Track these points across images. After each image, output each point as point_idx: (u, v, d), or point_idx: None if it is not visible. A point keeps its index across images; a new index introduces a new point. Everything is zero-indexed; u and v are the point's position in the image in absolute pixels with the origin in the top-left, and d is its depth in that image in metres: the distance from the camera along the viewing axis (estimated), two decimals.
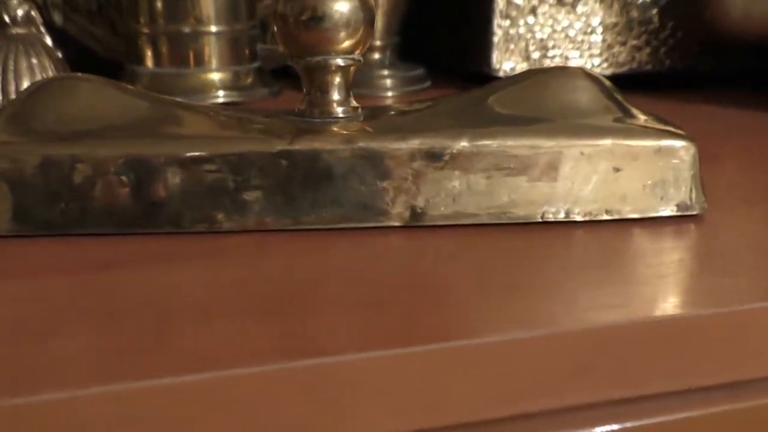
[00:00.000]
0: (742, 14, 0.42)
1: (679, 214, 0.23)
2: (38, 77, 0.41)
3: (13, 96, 0.40)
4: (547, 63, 0.48)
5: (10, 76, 0.40)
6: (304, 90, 0.24)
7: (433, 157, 0.22)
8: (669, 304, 0.18)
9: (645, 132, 0.23)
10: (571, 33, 0.48)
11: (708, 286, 0.19)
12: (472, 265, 0.20)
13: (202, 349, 0.16)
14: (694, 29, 0.48)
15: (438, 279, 0.20)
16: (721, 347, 0.17)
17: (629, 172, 0.23)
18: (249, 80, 0.46)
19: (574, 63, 0.48)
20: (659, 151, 0.23)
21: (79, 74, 0.24)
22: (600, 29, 0.48)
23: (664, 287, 0.19)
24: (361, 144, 0.22)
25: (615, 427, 0.17)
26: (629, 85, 0.46)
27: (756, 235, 0.23)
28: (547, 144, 0.23)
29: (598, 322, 0.17)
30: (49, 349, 0.16)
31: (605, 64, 0.49)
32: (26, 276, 0.19)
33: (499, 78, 0.48)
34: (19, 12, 0.41)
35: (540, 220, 0.23)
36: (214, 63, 0.45)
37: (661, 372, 0.17)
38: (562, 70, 0.25)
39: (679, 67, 0.49)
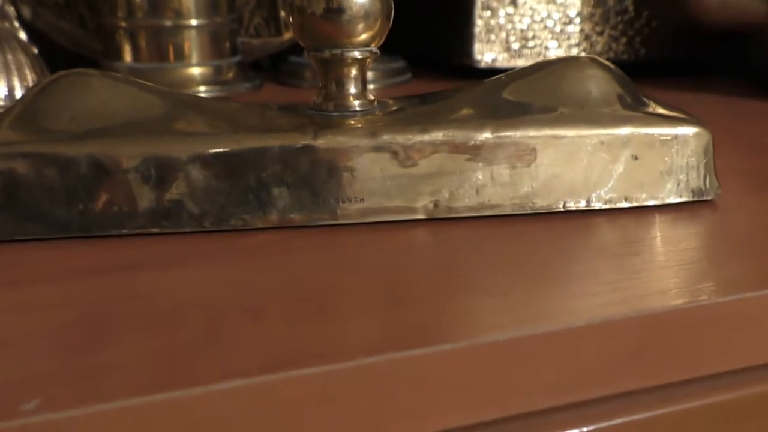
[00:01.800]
0: (719, 4, 0.43)
1: (694, 199, 0.24)
2: (14, 74, 0.40)
3: None
4: (527, 53, 0.49)
5: None
6: (320, 83, 0.24)
7: (457, 149, 0.22)
8: (710, 287, 0.18)
9: (661, 120, 0.24)
10: (550, 24, 0.49)
11: (740, 268, 0.19)
12: (504, 258, 0.20)
13: (255, 349, 0.15)
14: (669, 19, 0.49)
15: (474, 272, 0.20)
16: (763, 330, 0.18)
17: (647, 160, 0.23)
18: (230, 74, 0.45)
19: (552, 53, 0.49)
20: (676, 138, 0.23)
21: (89, 70, 0.23)
22: (578, 19, 0.49)
23: (700, 270, 0.19)
24: (385, 137, 0.22)
25: (667, 410, 0.17)
26: None
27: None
28: (568, 133, 0.23)
29: (646, 308, 0.17)
30: (104, 356, 0.15)
31: (583, 54, 0.49)
32: (54, 281, 0.19)
33: (480, 69, 0.48)
34: None
35: (562, 209, 0.23)
36: (194, 57, 0.44)
37: (710, 354, 0.17)
38: (575, 60, 0.25)
39: (654, 56, 0.50)
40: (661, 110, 0.24)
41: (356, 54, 0.23)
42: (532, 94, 0.24)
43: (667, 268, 0.19)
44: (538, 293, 0.18)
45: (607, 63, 0.25)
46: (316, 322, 0.17)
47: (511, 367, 0.16)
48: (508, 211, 0.23)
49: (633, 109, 0.24)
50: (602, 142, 0.23)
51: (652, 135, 0.23)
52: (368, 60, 0.24)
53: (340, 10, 0.22)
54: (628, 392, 0.17)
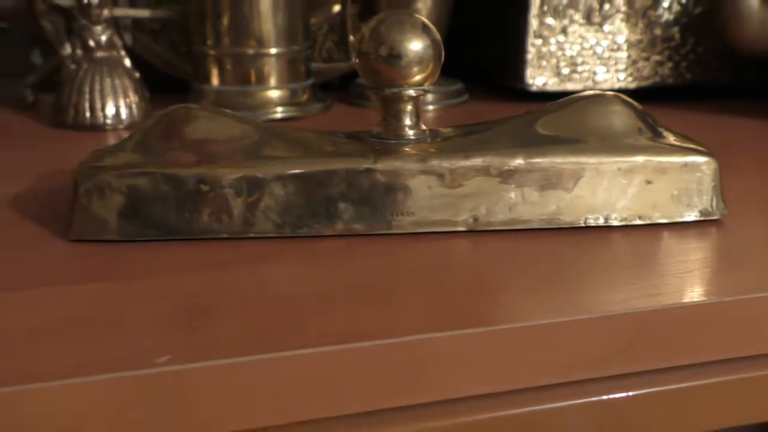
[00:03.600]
0: (759, 32, 0.46)
1: (702, 219, 0.27)
2: (120, 96, 0.46)
3: (100, 113, 0.45)
4: (576, 78, 0.52)
5: (96, 95, 0.45)
6: (381, 116, 0.29)
7: (493, 172, 0.27)
8: (696, 293, 0.22)
9: (673, 150, 0.27)
10: (599, 50, 0.52)
11: (727, 278, 0.23)
12: (530, 263, 0.25)
13: (323, 328, 0.20)
14: (714, 44, 0.52)
15: (504, 274, 0.24)
16: (739, 328, 0.21)
17: (659, 184, 0.27)
18: (304, 96, 0.50)
19: (600, 78, 0.52)
20: (685, 165, 0.27)
21: (194, 105, 0.28)
22: (625, 46, 0.52)
23: (691, 279, 0.23)
24: (433, 162, 0.27)
25: (650, 390, 0.21)
26: (653, 98, 0.51)
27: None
28: (589, 161, 0.27)
29: (638, 307, 0.21)
30: (209, 332, 0.20)
31: (630, 79, 0.53)
32: (166, 274, 0.24)
33: (532, 92, 0.52)
34: (103, 37, 0.46)
35: (583, 225, 0.27)
36: (273, 81, 0.49)
37: (690, 348, 0.21)
38: (600, 97, 0.29)
39: (699, 81, 0.53)
40: (674, 141, 0.28)
41: (411, 92, 0.28)
42: (561, 127, 0.28)
43: (665, 276, 0.23)
44: (554, 292, 0.22)
45: (628, 99, 0.29)
46: (373, 309, 0.21)
47: (524, 350, 0.20)
48: (536, 225, 0.27)
49: (649, 140, 0.28)
50: (620, 169, 0.27)
51: (665, 162, 0.27)
52: (421, 97, 0.28)
53: (398, 56, 0.27)
54: (619, 375, 0.21)
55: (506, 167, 0.27)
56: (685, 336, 0.21)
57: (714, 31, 0.51)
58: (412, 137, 0.28)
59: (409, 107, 0.28)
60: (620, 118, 0.28)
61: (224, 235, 0.26)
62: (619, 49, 0.53)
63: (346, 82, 0.58)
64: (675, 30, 0.53)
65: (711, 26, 0.51)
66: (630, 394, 0.21)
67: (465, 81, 0.55)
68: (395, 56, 0.27)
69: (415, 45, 0.27)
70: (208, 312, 0.21)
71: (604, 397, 0.21)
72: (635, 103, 0.29)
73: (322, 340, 0.19)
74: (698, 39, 0.53)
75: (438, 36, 0.28)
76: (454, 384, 0.20)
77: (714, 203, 0.28)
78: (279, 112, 0.49)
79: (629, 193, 0.27)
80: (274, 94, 0.50)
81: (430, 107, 0.52)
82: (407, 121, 0.28)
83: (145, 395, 0.18)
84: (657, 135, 0.28)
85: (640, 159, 0.27)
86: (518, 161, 0.27)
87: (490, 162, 0.27)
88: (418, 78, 0.28)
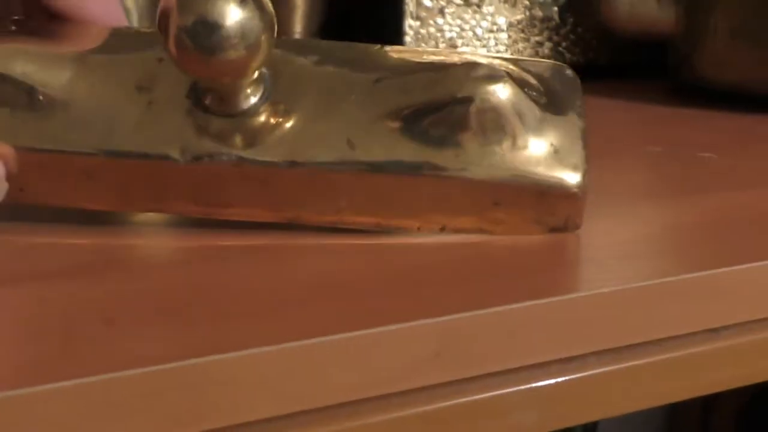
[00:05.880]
0: (629, 13, 0.46)
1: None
2: None
3: None
4: None
5: None
6: None
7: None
8: (505, 298, 0.21)
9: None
10: (479, 31, 0.51)
11: (542, 282, 0.22)
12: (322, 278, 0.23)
13: (96, 355, 0.18)
14: (593, 25, 0.52)
15: (298, 289, 0.22)
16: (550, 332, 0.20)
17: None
18: None
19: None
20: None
21: None
22: (505, 27, 0.51)
23: (502, 285, 0.22)
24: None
25: (463, 400, 0.20)
26: None
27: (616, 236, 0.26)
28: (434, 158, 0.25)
29: (444, 315, 0.20)
30: None
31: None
32: None
33: None
34: None
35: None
36: None
37: (496, 354, 0.20)
38: None
39: (579, 61, 0.53)
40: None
41: None
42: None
43: (476, 282, 0.22)
44: (350, 305, 0.21)
45: None
46: (148, 331, 0.19)
47: (318, 367, 0.19)
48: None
49: None
50: None
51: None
52: None
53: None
54: (427, 387, 0.20)
55: None
56: (493, 343, 0.20)
57: (591, 12, 0.51)
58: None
59: None
60: None
61: None
62: (499, 30, 0.52)
63: None
64: (554, 10, 0.52)
65: (588, 6, 0.51)
66: (441, 405, 0.20)
67: None
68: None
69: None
70: None
71: (410, 412, 0.20)
72: None
73: (89, 370, 0.17)
74: (577, 19, 0.52)
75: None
76: (239, 408, 0.19)
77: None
78: None
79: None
80: None
81: None
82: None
83: None
84: None
85: None
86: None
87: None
88: None
